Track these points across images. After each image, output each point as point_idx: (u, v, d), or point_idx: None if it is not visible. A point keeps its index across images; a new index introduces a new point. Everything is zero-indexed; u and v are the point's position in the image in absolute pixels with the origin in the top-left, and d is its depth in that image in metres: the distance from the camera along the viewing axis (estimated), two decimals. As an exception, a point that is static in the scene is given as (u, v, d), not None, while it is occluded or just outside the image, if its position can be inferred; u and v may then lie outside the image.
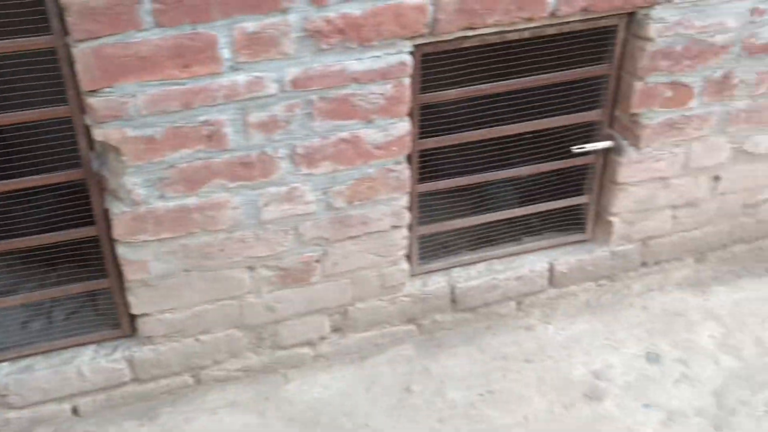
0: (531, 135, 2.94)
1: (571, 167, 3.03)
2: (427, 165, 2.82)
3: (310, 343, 2.97)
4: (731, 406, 2.77)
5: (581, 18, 2.62)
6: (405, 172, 2.69)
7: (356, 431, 2.75)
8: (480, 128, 2.82)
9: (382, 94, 2.48)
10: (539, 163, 2.98)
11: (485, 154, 3.08)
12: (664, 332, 3.12)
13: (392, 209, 2.75)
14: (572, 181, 3.14)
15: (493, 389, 2.90)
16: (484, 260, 3.13)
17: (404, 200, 2.76)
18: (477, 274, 3.09)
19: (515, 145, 2.96)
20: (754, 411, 2.75)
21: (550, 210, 3.15)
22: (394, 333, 3.07)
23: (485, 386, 2.91)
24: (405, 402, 2.86)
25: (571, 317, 3.21)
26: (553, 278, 3.19)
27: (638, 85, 2.80)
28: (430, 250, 3.09)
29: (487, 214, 3.08)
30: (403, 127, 2.58)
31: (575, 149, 2.86)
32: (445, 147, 2.80)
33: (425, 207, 2.98)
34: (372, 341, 3.06)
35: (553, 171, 3.08)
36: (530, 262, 3.15)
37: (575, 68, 2.80)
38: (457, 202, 3.20)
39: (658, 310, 3.23)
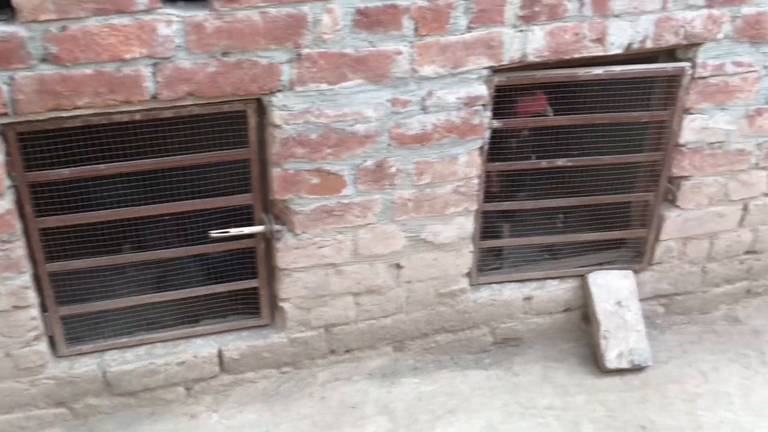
0: (185, 216, 2.87)
1: (242, 250, 2.95)
2: (71, 241, 2.74)
3: (-60, 425, 2.83)
4: None
5: (197, 102, 2.57)
6: (17, 250, 2.60)
7: None
8: (116, 208, 2.74)
9: (-34, 172, 2.41)
10: (194, 245, 2.90)
11: (146, 234, 3.01)
12: (330, 426, 3.00)
13: (9, 289, 2.65)
14: (246, 265, 3.05)
15: (120, 482, 2.75)
16: (147, 343, 3.02)
17: (24, 279, 2.66)
18: (134, 357, 2.98)
19: (166, 225, 2.89)
20: None
21: (222, 293, 3.05)
22: (42, 416, 2.95)
23: (114, 478, 2.77)
24: (22, 492, 2.71)
25: (242, 406, 3.09)
26: (224, 364, 3.07)
27: (277, 171, 2.75)
28: (84, 330, 2.98)
29: (148, 296, 2.98)
30: (1, 205, 2.50)
31: (215, 233, 2.78)
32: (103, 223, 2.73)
33: (83, 285, 2.89)
34: (16, 424, 2.93)
35: (225, 253, 3.00)
36: (196, 347, 3.04)
37: (209, 151, 2.73)
38: (126, 282, 3.10)
39: (335, 402, 3.11)
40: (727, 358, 3.39)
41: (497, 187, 3.40)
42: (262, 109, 2.68)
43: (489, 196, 3.24)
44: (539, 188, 3.64)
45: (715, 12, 2.91)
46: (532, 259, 3.57)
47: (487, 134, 2.95)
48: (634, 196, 3.28)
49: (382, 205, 2.92)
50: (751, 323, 3.64)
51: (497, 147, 3.09)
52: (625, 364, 3.24)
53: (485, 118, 2.89)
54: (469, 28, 2.68)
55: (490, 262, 3.56)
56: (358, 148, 2.78)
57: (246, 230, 2.83)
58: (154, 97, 2.50)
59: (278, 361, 3.15)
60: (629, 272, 3.39)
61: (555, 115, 3.10)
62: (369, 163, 2.82)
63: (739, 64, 3.05)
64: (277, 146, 2.69)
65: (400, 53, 2.64)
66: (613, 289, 3.34)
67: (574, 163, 3.14)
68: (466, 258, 3.17)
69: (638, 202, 3.36)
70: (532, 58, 2.81)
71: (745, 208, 3.44)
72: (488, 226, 3.45)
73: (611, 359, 3.24)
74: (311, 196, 2.82)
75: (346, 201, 2.87)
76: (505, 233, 3.65)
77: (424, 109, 2.78)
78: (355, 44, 2.59)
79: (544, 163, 3.14)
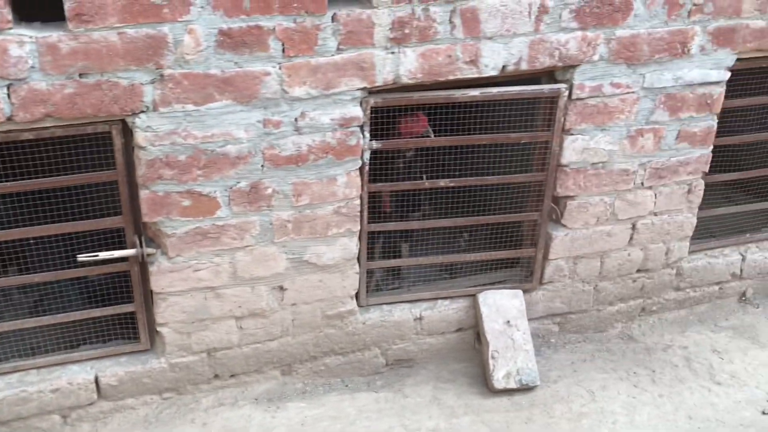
0: (69, 238, 2.81)
1: (119, 273, 2.89)
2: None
3: None
4: None
5: (58, 124, 2.52)
6: None
7: None
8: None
9: None
10: (66, 269, 2.83)
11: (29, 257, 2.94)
12: (209, 452, 2.93)
13: None
14: (124, 289, 2.99)
15: None
16: (21, 370, 2.93)
17: None
18: (5, 385, 2.89)
19: (48, 248, 2.82)
20: None
21: (102, 317, 2.99)
22: None
23: None
24: None
25: (121, 433, 3.00)
26: (102, 391, 3.00)
27: (145, 193, 2.71)
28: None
29: (21, 321, 2.91)
30: None
31: (83, 257, 2.71)
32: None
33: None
34: None
35: (104, 277, 2.94)
36: (71, 373, 2.97)
37: (77, 173, 2.68)
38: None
39: (217, 428, 3.06)
40: (617, 376, 3.41)
41: (389, 206, 3.39)
42: (127, 131, 2.63)
43: (380, 216, 3.24)
44: (437, 208, 3.65)
45: (590, 34, 2.95)
46: (431, 279, 3.55)
47: (367, 155, 2.94)
48: (520, 215, 3.29)
49: (260, 226, 2.89)
50: (645, 341, 3.67)
51: (381, 167, 3.08)
52: (513, 384, 3.24)
53: (363, 139, 2.88)
54: (339, 50, 2.67)
55: (389, 282, 3.55)
56: (230, 170, 2.75)
57: (116, 254, 2.77)
58: (10, 119, 2.44)
59: (159, 387, 3.08)
60: (518, 292, 3.40)
61: (439, 135, 3.09)
62: (243, 184, 2.79)
63: (617, 85, 3.09)
64: (143, 168, 2.65)
65: (268, 74, 2.63)
66: (502, 308, 3.35)
67: (457, 183, 3.14)
68: (352, 279, 3.14)
69: (528, 221, 3.37)
70: (406, 80, 2.82)
71: (634, 227, 3.47)
72: (387, 246, 3.44)
73: (499, 379, 3.24)
74: (183, 218, 2.78)
75: (221, 223, 2.83)
76: (404, 253, 3.64)
77: (298, 130, 2.76)
78: (221, 65, 2.57)
79: (426, 184, 3.13)
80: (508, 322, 3.31)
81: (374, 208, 3.18)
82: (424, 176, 3.33)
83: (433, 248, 3.57)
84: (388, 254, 3.42)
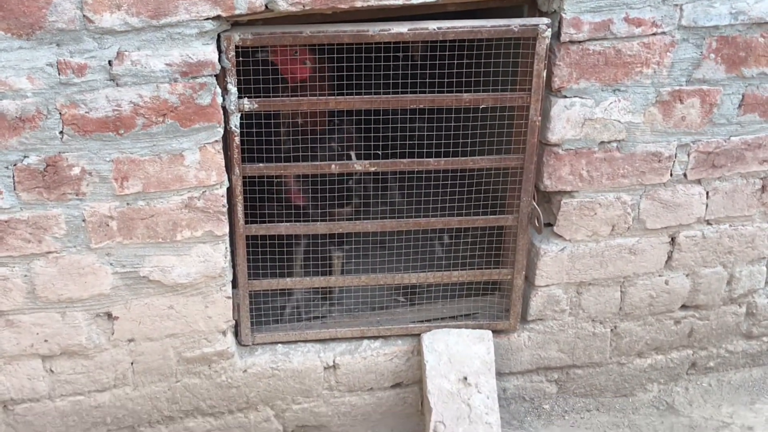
0: None
1: None
2: None
3: None
4: None
5: None
6: None
7: None
8: None
9: None
10: None
11: None
12: None
13: None
14: None
15: None
16: None
17: None
18: None
19: None
20: None
21: None
22: None
23: None
24: None
25: None
26: None
27: None
28: None
29: None
30: None
31: None
32: None
33: None
34: None
35: None
36: None
37: None
38: None
39: None
40: (641, 470, 3.07)
41: (302, 197, 3.17)
42: None
43: (291, 212, 3.08)
44: (383, 199, 3.47)
45: (588, -65, 2.59)
46: (385, 306, 3.32)
47: (235, 120, 2.64)
48: (483, 219, 2.94)
49: (67, 224, 2.64)
50: (692, 414, 3.36)
51: (275, 140, 2.85)
52: (463, 477, 2.89)
53: (224, 96, 2.59)
54: (173, -46, 2.35)
55: (312, 309, 3.35)
56: (11, 137, 2.49)
57: None
58: None
59: (-69, 453, 2.84)
60: (486, 333, 3.09)
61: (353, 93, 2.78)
62: (33, 159, 2.53)
63: (636, 21, 2.72)
64: None
65: (59, -8, 2.32)
66: (457, 357, 3.04)
67: (381, 167, 2.82)
68: (221, 306, 2.88)
69: (504, 228, 3.05)
70: (286, 6, 2.50)
71: (673, 242, 3.15)
72: (312, 252, 3.31)
73: (443, 467, 2.89)
74: (-58, 208, 2.52)
75: (4, 217, 2.58)
76: (336, 265, 3.40)
77: (115, 80, 2.48)
78: (-21, -25, 2.27)
79: (334, 167, 2.81)
80: (465, 378, 3.02)
81: (270, 200, 3.00)
82: (353, 154, 3.07)
83: (390, 256, 3.25)
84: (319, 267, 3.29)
